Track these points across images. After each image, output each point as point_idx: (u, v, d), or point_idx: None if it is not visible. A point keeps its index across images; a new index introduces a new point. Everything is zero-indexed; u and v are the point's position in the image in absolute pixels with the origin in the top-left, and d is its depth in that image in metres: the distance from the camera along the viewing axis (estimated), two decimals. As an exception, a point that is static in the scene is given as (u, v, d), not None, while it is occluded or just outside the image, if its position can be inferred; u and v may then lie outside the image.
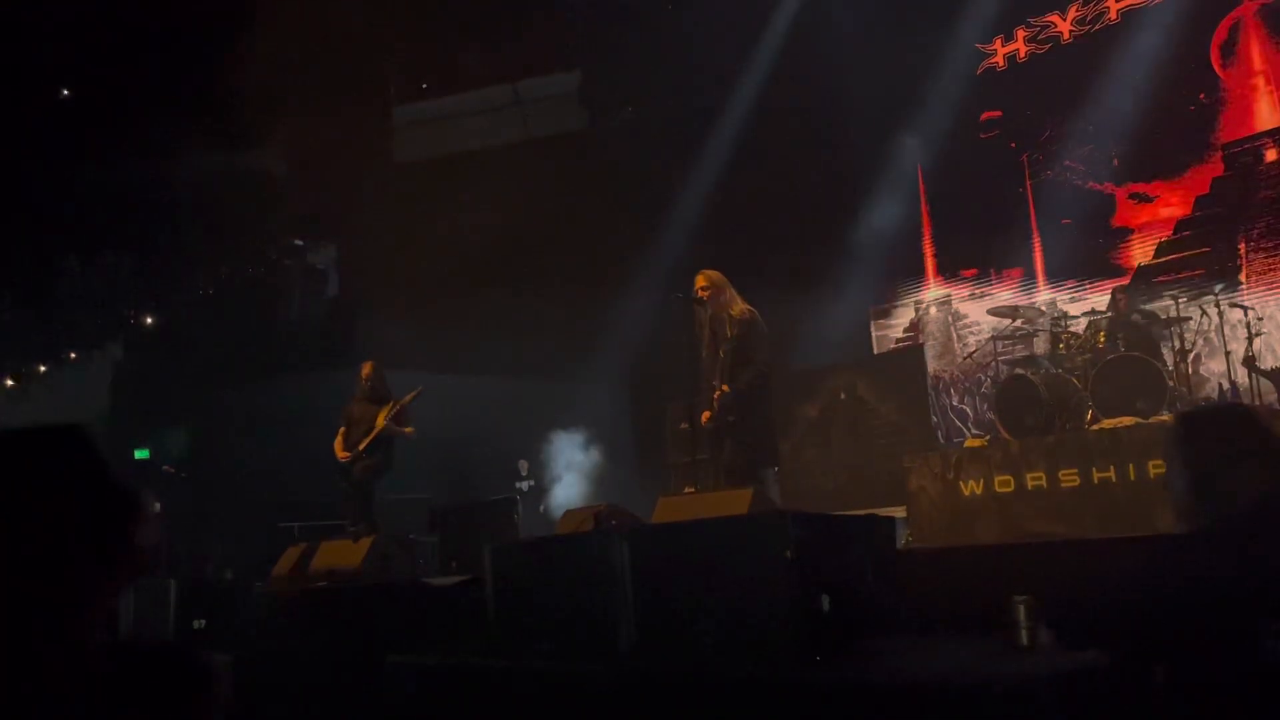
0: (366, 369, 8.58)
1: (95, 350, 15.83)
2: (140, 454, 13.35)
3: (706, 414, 6.44)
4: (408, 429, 8.38)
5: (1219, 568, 2.26)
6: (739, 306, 6.46)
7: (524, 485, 11.96)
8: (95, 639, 1.24)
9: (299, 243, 15.54)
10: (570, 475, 11.95)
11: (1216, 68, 9.50)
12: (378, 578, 6.94)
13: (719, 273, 6.63)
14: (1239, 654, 2.20)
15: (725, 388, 6.27)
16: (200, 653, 1.31)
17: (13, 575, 1.21)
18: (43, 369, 16.21)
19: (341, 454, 8.29)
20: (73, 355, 16.12)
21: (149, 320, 15.90)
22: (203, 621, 6.81)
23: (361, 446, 8.21)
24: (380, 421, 8.21)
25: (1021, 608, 3.14)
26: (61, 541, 1.24)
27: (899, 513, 7.17)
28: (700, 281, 6.54)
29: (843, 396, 9.49)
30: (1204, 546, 2.35)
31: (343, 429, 8.40)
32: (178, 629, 6.54)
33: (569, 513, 6.20)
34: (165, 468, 12.51)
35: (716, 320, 6.45)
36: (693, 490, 7.28)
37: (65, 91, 12.88)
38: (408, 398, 8.34)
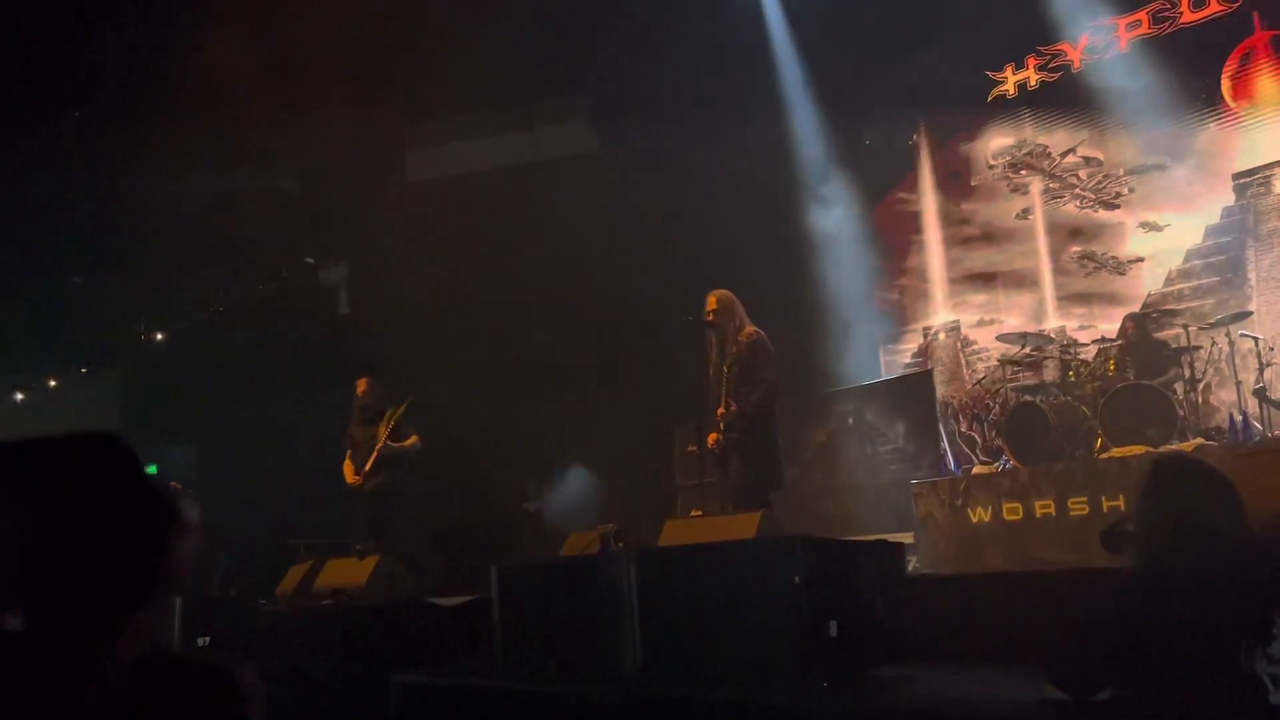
0: (361, 386, 8.55)
1: (106, 366, 15.89)
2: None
3: (713, 436, 6.43)
4: (409, 441, 8.35)
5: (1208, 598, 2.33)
6: (747, 329, 6.46)
7: (531, 506, 11.93)
8: (135, 650, 1.24)
9: (310, 260, 15.60)
10: (576, 496, 11.91)
11: (1227, 97, 9.52)
12: (383, 596, 6.92)
13: (730, 294, 6.63)
14: (1222, 676, 2.25)
15: (733, 405, 6.26)
16: (236, 666, 1.30)
17: (52, 585, 1.21)
18: (53, 383, 16.28)
19: (351, 479, 8.27)
20: (83, 370, 16.19)
21: (159, 336, 15.96)
22: (206, 638, 6.80)
23: (367, 467, 8.21)
24: (381, 440, 8.20)
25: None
26: (102, 550, 1.23)
27: (907, 539, 7.14)
28: (710, 303, 6.55)
29: (850, 421, 9.47)
30: (1194, 578, 2.41)
31: (349, 452, 8.39)
32: (182, 645, 6.53)
33: (575, 534, 6.19)
34: (172, 484, 12.51)
35: (725, 342, 6.46)
36: (700, 513, 7.26)
37: (76, 113, 12.97)
38: (399, 410, 8.33)
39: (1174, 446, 6.69)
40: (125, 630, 1.24)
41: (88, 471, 1.27)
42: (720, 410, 6.31)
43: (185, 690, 1.24)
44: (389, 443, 8.18)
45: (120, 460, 1.30)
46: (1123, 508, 6.12)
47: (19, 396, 16.22)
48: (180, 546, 1.31)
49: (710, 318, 6.50)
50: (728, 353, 6.42)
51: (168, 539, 1.30)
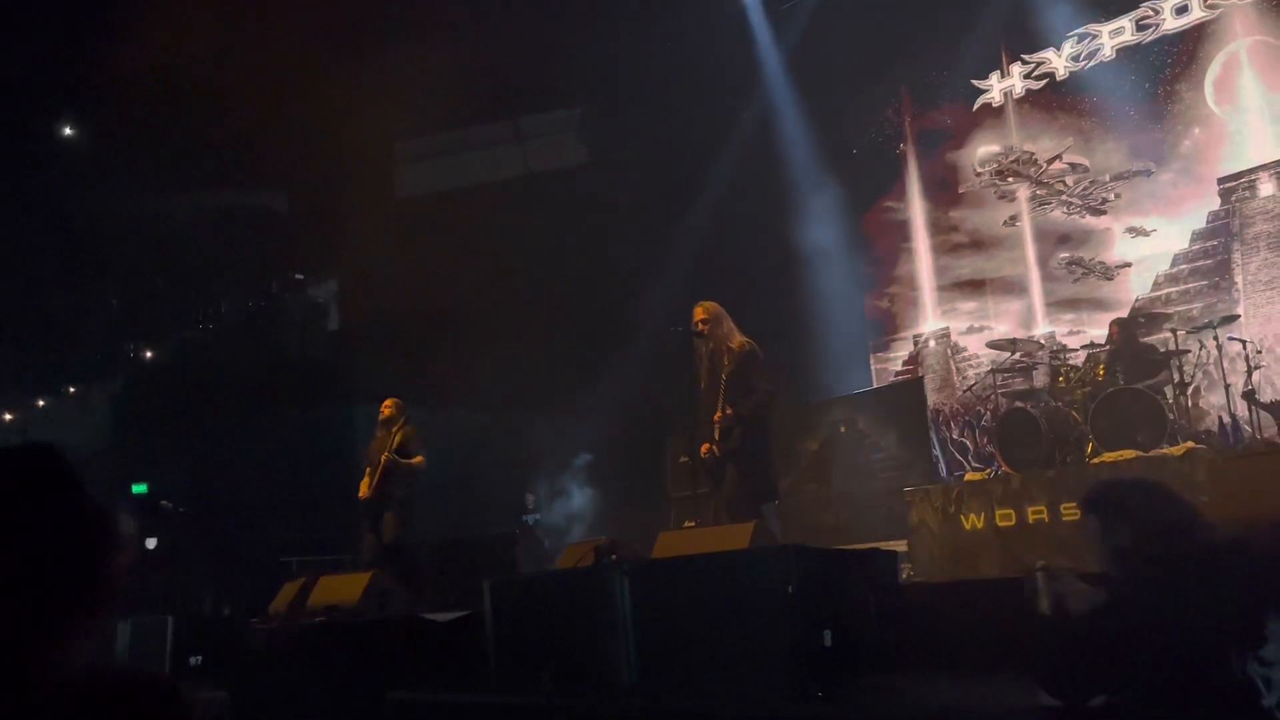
0: (388, 408, 8.50)
1: (95, 384, 15.83)
2: (138, 488, 13.31)
3: (706, 446, 6.40)
4: (416, 459, 8.33)
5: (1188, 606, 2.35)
6: (738, 339, 6.45)
7: (531, 519, 11.93)
8: (67, 667, 1.21)
9: (299, 277, 15.58)
10: (571, 509, 11.92)
11: (1211, 103, 9.59)
12: (376, 613, 6.89)
13: (717, 304, 6.62)
14: (1214, 681, 2.26)
15: (730, 409, 6.22)
16: (167, 680, 1.28)
17: None
18: (42, 403, 16.20)
19: (363, 493, 8.27)
20: (72, 389, 16.13)
21: (149, 354, 15.91)
22: (199, 657, 6.75)
23: (375, 481, 8.21)
24: (387, 453, 8.19)
25: (1040, 576, 3.05)
26: (30, 565, 1.21)
27: (900, 547, 7.15)
28: (698, 314, 6.54)
29: (843, 430, 9.47)
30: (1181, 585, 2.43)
31: (368, 469, 8.39)
32: (175, 665, 6.49)
33: (570, 547, 6.18)
34: (163, 502, 12.47)
35: (716, 353, 6.44)
36: (693, 525, 7.25)
37: (67, 130, 12.96)
38: (407, 428, 8.33)
39: (1164, 450, 6.70)
40: (59, 646, 1.21)
41: (15, 484, 1.24)
42: (717, 415, 6.28)
43: (123, 707, 1.22)
44: (394, 456, 8.17)
45: (52, 473, 1.27)
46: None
47: (8, 416, 16.14)
48: (113, 562, 1.28)
49: (699, 328, 6.49)
50: (719, 364, 6.40)
51: (100, 554, 1.27)
